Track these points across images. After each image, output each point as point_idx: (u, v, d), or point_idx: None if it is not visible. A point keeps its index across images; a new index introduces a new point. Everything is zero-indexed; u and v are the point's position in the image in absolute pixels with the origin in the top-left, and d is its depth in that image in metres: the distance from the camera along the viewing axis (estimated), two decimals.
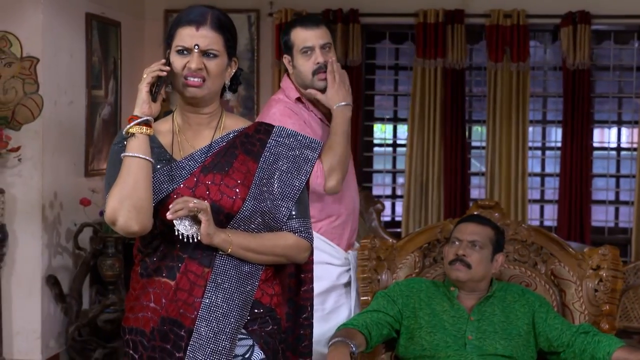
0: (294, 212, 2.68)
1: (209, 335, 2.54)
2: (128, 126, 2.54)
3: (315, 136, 3.61)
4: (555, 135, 7.32)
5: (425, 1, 7.01)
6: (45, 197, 5.69)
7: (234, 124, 2.74)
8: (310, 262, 2.79)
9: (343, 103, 3.66)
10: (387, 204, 7.46)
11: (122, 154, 2.55)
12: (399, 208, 7.49)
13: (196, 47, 2.60)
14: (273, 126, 2.77)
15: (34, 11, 5.59)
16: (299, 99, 3.75)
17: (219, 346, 2.54)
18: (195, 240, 2.54)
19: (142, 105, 2.56)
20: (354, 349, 3.32)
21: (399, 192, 7.58)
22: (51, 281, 5.71)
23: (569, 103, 6.93)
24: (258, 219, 2.62)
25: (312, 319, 2.82)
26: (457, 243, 3.64)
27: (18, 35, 5.58)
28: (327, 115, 3.78)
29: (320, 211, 3.74)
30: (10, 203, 5.57)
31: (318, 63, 3.67)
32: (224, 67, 2.65)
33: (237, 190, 2.60)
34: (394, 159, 7.58)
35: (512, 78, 6.94)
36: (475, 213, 3.89)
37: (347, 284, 3.90)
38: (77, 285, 5.91)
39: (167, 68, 2.59)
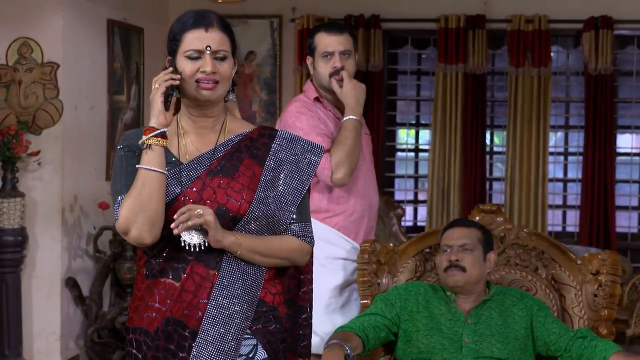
0: (295, 216, 2.70)
1: (215, 336, 2.57)
2: (145, 137, 2.56)
3: (329, 132, 3.91)
4: (578, 140, 7.28)
5: (447, 6, 7.02)
6: (65, 200, 5.76)
7: (238, 127, 2.75)
8: (310, 264, 2.81)
9: (352, 117, 3.86)
10: (409, 209, 7.47)
11: (138, 166, 2.56)
12: (422, 213, 7.49)
13: (208, 48, 2.60)
14: (277, 130, 2.79)
15: (55, 17, 5.67)
16: (317, 99, 3.99)
17: (225, 346, 2.57)
18: (202, 248, 2.57)
19: (158, 116, 2.57)
20: (349, 351, 3.34)
21: (420, 197, 7.58)
22: (70, 283, 5.77)
23: (591, 108, 6.89)
24: (263, 222, 2.64)
25: (311, 319, 2.84)
26: (447, 250, 3.64)
27: (39, 41, 5.65)
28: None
29: (337, 205, 3.94)
30: (30, 206, 5.64)
31: (335, 67, 3.91)
32: (232, 68, 2.67)
33: (244, 193, 2.61)
34: (416, 164, 7.59)
35: (534, 83, 6.92)
36: (461, 217, 3.89)
37: None
38: (97, 288, 5.98)
39: (179, 76, 2.60)
